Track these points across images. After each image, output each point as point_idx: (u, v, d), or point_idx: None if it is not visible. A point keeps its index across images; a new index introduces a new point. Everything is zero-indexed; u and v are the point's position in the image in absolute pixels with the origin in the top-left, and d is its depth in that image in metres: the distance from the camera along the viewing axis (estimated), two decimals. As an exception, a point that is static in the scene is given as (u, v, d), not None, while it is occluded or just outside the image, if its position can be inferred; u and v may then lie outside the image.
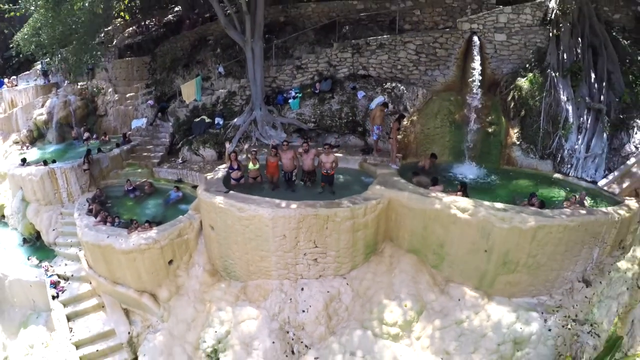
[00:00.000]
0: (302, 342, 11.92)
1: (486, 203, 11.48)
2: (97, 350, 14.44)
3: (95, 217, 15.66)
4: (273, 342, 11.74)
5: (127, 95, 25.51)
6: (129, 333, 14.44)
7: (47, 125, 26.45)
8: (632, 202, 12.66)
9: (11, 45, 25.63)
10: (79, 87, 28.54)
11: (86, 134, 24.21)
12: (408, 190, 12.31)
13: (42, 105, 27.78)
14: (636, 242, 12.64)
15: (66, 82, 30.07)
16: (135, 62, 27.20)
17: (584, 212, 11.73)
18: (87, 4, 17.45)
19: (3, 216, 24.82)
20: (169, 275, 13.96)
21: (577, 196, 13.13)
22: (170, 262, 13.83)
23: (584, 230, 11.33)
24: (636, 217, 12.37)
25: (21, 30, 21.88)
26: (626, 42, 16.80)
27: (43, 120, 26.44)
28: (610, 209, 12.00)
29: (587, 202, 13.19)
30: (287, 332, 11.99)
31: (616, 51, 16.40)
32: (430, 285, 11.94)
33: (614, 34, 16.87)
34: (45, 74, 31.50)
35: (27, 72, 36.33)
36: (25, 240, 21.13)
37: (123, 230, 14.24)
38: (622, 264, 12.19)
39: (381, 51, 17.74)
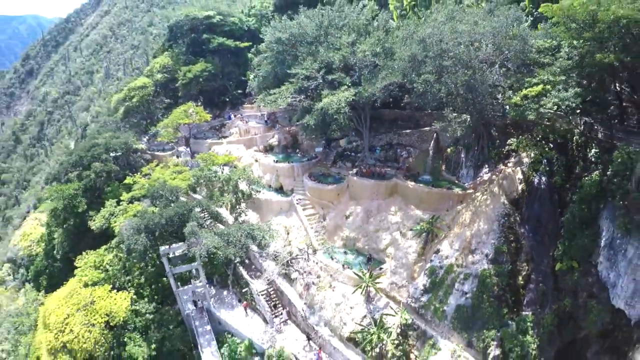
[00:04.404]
0: (371, 214, 48.25)
1: (416, 184, 47.00)
2: (312, 215, 52.17)
3: (314, 181, 53.07)
4: (363, 213, 48.34)
5: (312, 137, 62.87)
6: (324, 213, 51.75)
7: (277, 145, 65.05)
8: (473, 190, 46.50)
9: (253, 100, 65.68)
10: (287, 129, 66.84)
11: (297, 151, 62.32)
12: (401, 180, 48.16)
13: (273, 137, 66.52)
14: (467, 202, 46.03)
15: (278, 125, 68.67)
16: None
17: (445, 190, 46.43)
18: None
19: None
20: (337, 198, 51.25)
21: (449, 187, 47.36)
22: (338, 194, 50.94)
23: (443, 194, 45.86)
24: (470, 194, 45.90)
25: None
26: (496, 134, 49.47)
27: (275, 144, 65.11)
28: (457, 190, 46.23)
29: (454, 189, 47.17)
30: (368, 212, 48.40)
31: (490, 137, 48.88)
32: (403, 204, 47.60)
33: (492, 130, 49.33)
34: (266, 122, 70.44)
35: (249, 114, 75.93)
36: (276, 190, 59.53)
37: (326, 184, 51.62)
38: (459, 208, 46.03)
39: (406, 135, 53.28)
